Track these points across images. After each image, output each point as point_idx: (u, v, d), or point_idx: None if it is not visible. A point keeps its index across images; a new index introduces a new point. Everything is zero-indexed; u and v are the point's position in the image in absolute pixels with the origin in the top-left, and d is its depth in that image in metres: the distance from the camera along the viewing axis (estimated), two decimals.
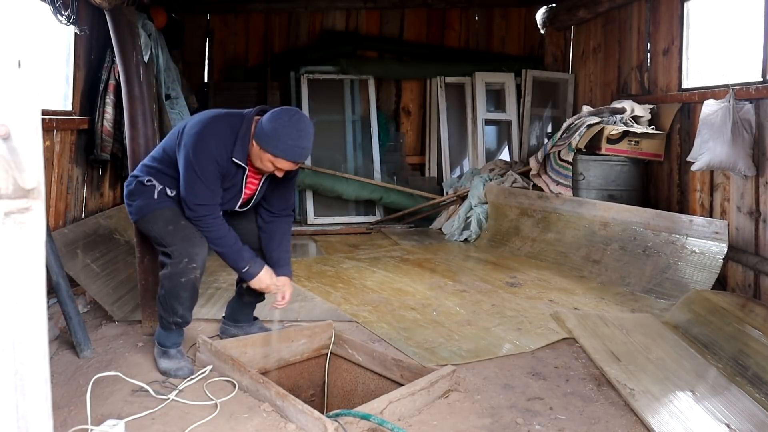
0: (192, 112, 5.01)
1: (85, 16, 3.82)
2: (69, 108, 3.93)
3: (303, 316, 3.25)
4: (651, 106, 4.68)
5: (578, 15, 5.93)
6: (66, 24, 3.49)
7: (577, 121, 4.80)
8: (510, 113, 6.64)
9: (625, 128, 4.52)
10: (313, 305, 3.46)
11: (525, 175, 5.57)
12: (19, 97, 0.98)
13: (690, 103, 4.26)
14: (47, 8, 3.35)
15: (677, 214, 3.99)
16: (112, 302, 3.22)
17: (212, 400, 2.22)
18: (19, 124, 0.98)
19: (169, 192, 2.50)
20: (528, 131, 6.66)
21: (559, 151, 4.79)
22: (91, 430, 1.95)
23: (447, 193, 6.26)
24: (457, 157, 6.81)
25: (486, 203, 5.55)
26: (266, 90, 6.66)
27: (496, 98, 6.81)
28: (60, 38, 3.88)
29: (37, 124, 1.00)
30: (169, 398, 2.24)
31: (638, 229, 4.14)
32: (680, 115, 4.40)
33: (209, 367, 2.46)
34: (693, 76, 4.40)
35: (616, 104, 4.82)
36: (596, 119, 4.67)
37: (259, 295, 2.84)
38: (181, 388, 2.32)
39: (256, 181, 2.56)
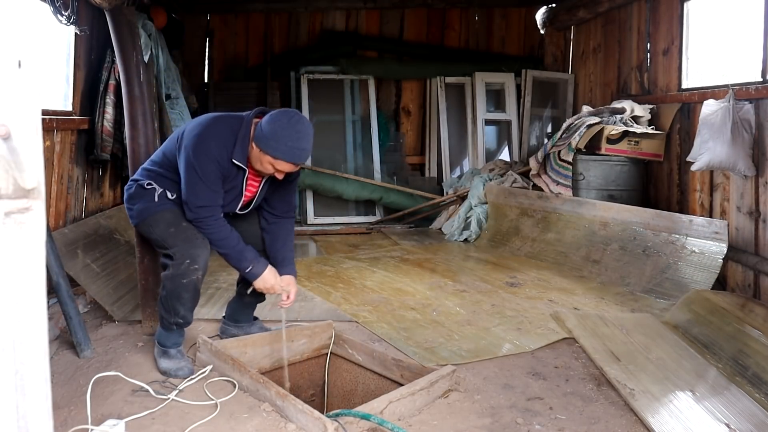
0: (192, 112, 5.02)
1: (85, 16, 3.82)
2: (69, 108, 3.93)
3: (303, 316, 3.25)
4: (651, 106, 4.69)
5: (578, 15, 5.93)
6: (66, 24, 3.49)
7: (577, 121, 4.80)
8: (510, 113, 6.64)
9: (624, 128, 4.52)
10: (313, 305, 3.46)
11: (525, 175, 5.57)
12: (19, 97, 0.98)
13: (690, 103, 4.26)
14: (47, 8, 3.35)
15: (677, 214, 3.99)
16: (112, 302, 3.22)
17: (212, 400, 2.22)
18: (19, 124, 0.98)
19: (169, 195, 2.50)
20: (528, 131, 6.66)
21: (559, 151, 4.80)
22: (92, 430, 1.95)
23: (447, 193, 6.26)
24: (457, 157, 6.81)
25: (486, 203, 5.55)
26: (266, 90, 6.66)
27: (496, 98, 6.81)
28: (60, 38, 3.88)
29: (38, 124, 1.00)
30: (169, 398, 2.24)
31: (638, 229, 4.14)
32: (680, 115, 4.40)
33: (209, 367, 2.46)
34: (693, 76, 4.40)
35: (616, 104, 4.82)
36: (596, 119, 4.67)
37: (259, 296, 2.84)
38: (181, 388, 2.32)
39: (257, 183, 2.56)
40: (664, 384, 2.48)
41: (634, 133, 4.51)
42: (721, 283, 3.71)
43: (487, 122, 6.67)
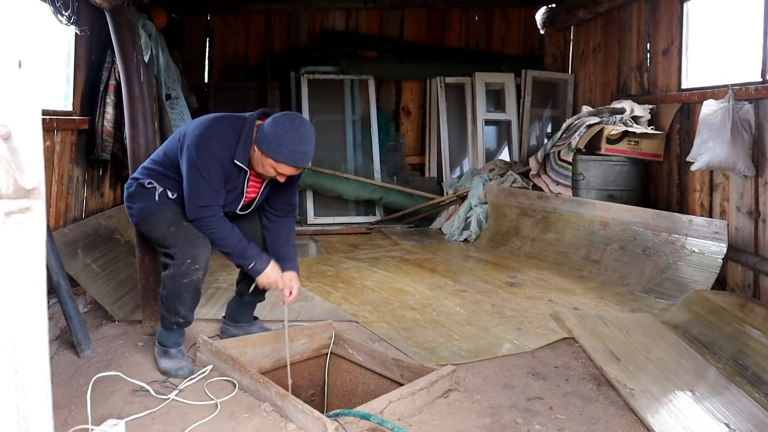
0: (192, 112, 5.02)
1: (86, 16, 3.82)
2: (69, 108, 3.93)
3: (303, 316, 3.25)
4: (651, 106, 4.69)
5: (578, 15, 5.93)
6: (66, 24, 3.49)
7: (576, 121, 4.80)
8: (510, 113, 6.64)
9: (624, 128, 4.52)
10: (313, 305, 3.46)
11: (525, 175, 5.57)
12: (19, 97, 0.98)
13: (690, 104, 4.26)
14: (48, 8, 3.35)
15: (677, 214, 3.99)
16: (112, 302, 3.22)
17: (212, 399, 2.22)
18: (19, 124, 0.98)
19: (170, 194, 2.50)
20: (528, 131, 6.66)
21: (559, 151, 4.80)
22: (92, 429, 1.95)
23: (447, 193, 6.26)
24: (457, 157, 6.81)
25: (486, 203, 5.55)
26: (266, 90, 6.66)
27: (496, 98, 6.81)
28: (60, 38, 3.88)
29: (38, 124, 1.00)
30: (169, 398, 2.24)
31: (638, 229, 4.14)
32: (680, 115, 4.40)
33: (209, 367, 2.46)
34: (693, 77, 4.41)
35: (616, 104, 4.82)
36: (596, 119, 4.67)
37: (259, 295, 2.84)
38: (181, 388, 2.32)
39: (258, 185, 2.57)
40: (664, 384, 2.48)
41: (634, 133, 4.51)
42: (720, 283, 3.71)
43: (487, 122, 6.68)
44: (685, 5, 4.41)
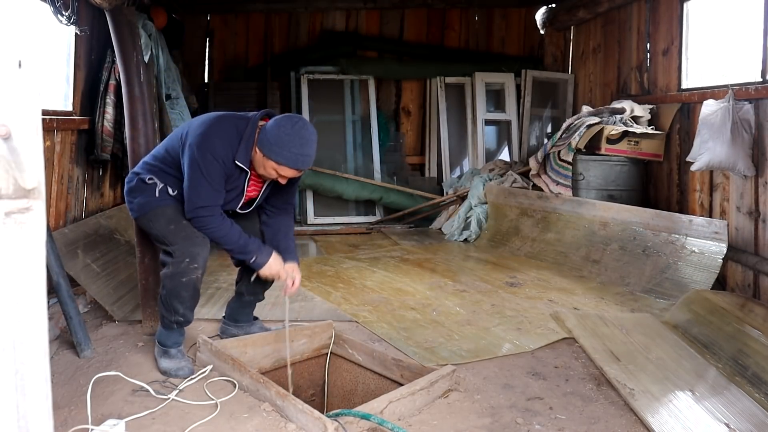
0: (192, 112, 5.02)
1: (86, 16, 3.82)
2: (69, 108, 3.93)
3: (303, 316, 3.25)
4: (651, 107, 4.69)
5: (578, 15, 5.93)
6: (66, 24, 3.49)
7: (576, 122, 4.80)
8: (510, 113, 6.64)
9: (624, 128, 4.52)
10: (313, 305, 3.46)
11: (525, 175, 5.57)
12: (19, 97, 0.98)
13: (689, 104, 4.26)
14: (48, 8, 3.35)
15: (677, 214, 3.99)
16: (112, 302, 3.22)
17: (212, 399, 2.22)
18: (19, 124, 0.98)
19: (170, 191, 2.50)
20: (528, 131, 6.66)
21: (559, 151, 4.80)
22: (92, 429, 1.95)
23: (447, 193, 6.26)
24: (457, 157, 6.82)
25: (486, 203, 5.55)
26: (266, 90, 6.66)
27: (496, 98, 6.81)
28: (60, 38, 3.88)
29: (38, 124, 1.00)
30: (169, 398, 2.24)
31: (638, 229, 4.14)
32: (680, 115, 4.40)
33: (209, 367, 2.46)
34: (693, 77, 4.41)
35: (616, 104, 4.82)
36: (596, 119, 4.67)
37: (258, 295, 2.85)
38: (181, 388, 2.32)
39: (259, 185, 2.57)
40: (664, 384, 2.48)
41: (634, 133, 4.51)
42: (720, 283, 3.71)
43: (487, 122, 6.68)
44: (685, 5, 4.41)
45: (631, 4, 5.10)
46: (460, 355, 2.76)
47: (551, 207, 4.84)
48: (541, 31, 6.87)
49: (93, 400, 2.12)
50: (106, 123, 4.04)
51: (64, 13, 3.41)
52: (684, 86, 4.44)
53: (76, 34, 3.75)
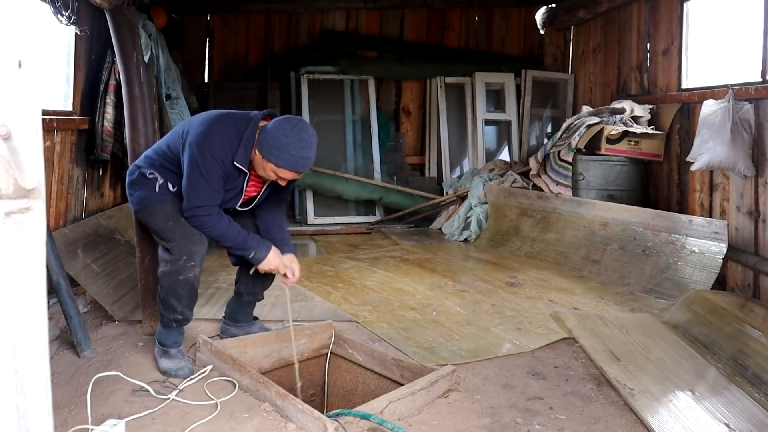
0: (192, 112, 5.02)
1: (86, 16, 3.82)
2: (69, 108, 3.93)
3: (303, 316, 3.25)
4: (651, 106, 4.69)
5: (578, 15, 5.93)
6: (66, 24, 3.49)
7: (576, 122, 4.80)
8: (510, 113, 6.64)
9: (624, 128, 4.52)
10: (313, 305, 3.46)
11: (525, 175, 5.57)
12: (19, 97, 0.98)
13: (689, 104, 4.26)
14: (48, 8, 3.35)
15: (677, 214, 3.99)
16: (112, 302, 3.22)
17: (212, 399, 2.22)
18: (19, 124, 0.98)
19: (170, 187, 2.50)
20: (528, 131, 6.66)
21: (559, 151, 4.80)
22: (92, 429, 1.95)
23: (447, 193, 6.26)
24: (457, 157, 6.81)
25: (486, 203, 5.55)
26: (266, 90, 6.66)
27: (496, 98, 6.81)
28: (60, 38, 3.88)
29: (38, 124, 1.00)
30: (169, 398, 2.24)
31: (638, 229, 4.14)
32: (680, 115, 4.40)
33: (209, 367, 2.46)
34: (692, 77, 4.41)
35: (616, 104, 4.82)
36: (596, 119, 4.67)
37: (257, 294, 2.85)
38: (181, 388, 2.32)
39: (259, 185, 2.57)
40: (664, 384, 2.48)
41: (634, 133, 4.51)
42: (720, 283, 3.71)
43: (487, 122, 6.68)
44: (685, 5, 4.41)
45: (631, 4, 5.10)
46: (460, 355, 2.76)
47: (551, 207, 4.84)
48: (541, 31, 6.87)
49: (93, 400, 2.12)
50: (106, 123, 4.04)
51: (64, 13, 3.41)
52: (684, 86, 4.44)
53: (76, 34, 3.75)
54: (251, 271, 2.65)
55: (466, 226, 5.58)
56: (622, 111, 4.65)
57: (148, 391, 2.29)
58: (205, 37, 6.88)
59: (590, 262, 4.29)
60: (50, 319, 2.77)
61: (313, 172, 6.11)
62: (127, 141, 3.14)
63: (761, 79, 3.49)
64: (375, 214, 6.39)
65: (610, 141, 4.55)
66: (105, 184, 4.38)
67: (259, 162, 2.39)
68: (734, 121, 3.42)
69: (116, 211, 4.17)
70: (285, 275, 2.57)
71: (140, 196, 2.52)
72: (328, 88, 6.61)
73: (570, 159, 4.71)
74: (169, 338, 2.55)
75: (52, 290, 2.65)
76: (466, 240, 5.45)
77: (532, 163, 5.18)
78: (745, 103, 3.46)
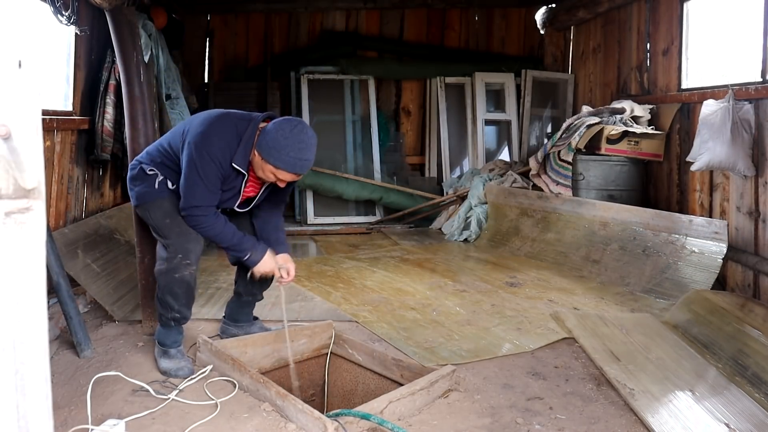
0: (192, 112, 5.01)
1: (86, 16, 3.82)
2: (69, 108, 3.93)
3: (303, 316, 3.25)
4: (651, 107, 4.69)
5: (578, 15, 5.93)
6: (66, 24, 3.49)
7: (576, 122, 4.80)
8: (510, 113, 6.64)
9: (624, 128, 4.52)
10: (313, 305, 3.46)
11: (525, 175, 5.57)
12: (19, 97, 0.98)
13: (689, 104, 4.26)
14: (48, 8, 3.35)
15: (677, 214, 3.99)
16: (112, 302, 3.22)
17: (212, 399, 2.22)
18: (19, 124, 0.98)
19: (169, 184, 2.51)
20: (528, 131, 6.66)
21: (559, 151, 4.80)
22: (92, 429, 1.95)
23: (447, 193, 6.26)
24: (457, 157, 6.81)
25: (486, 203, 5.55)
26: (266, 90, 6.66)
27: (496, 98, 6.81)
28: (60, 38, 3.88)
29: (38, 124, 1.00)
30: (169, 398, 2.24)
31: (638, 229, 4.14)
32: (680, 115, 4.40)
33: (209, 367, 2.46)
34: (692, 77, 4.41)
35: (616, 104, 4.82)
36: (596, 119, 4.67)
37: (257, 295, 2.86)
38: (181, 388, 2.32)
39: (258, 186, 2.57)
40: (664, 384, 2.48)
41: (634, 133, 4.51)
42: (720, 283, 3.71)
43: (487, 122, 6.68)
44: (685, 5, 4.41)
45: (631, 4, 5.10)
46: (460, 355, 2.76)
47: (551, 207, 4.84)
48: (541, 31, 6.87)
49: (93, 400, 2.12)
50: (106, 123, 4.04)
51: (64, 13, 3.41)
52: (684, 86, 4.44)
53: (76, 34, 3.75)
54: (248, 276, 2.66)
55: (466, 226, 5.58)
56: (622, 111, 4.65)
57: (148, 391, 2.29)
58: (205, 37, 6.88)
59: (590, 262, 4.29)
60: (50, 319, 2.78)
61: (313, 172, 6.11)
62: (127, 141, 3.14)
63: (761, 79, 3.49)
64: (375, 214, 6.39)
65: (610, 141, 4.55)
66: (105, 184, 4.38)
67: (258, 163, 2.39)
68: (734, 121, 3.42)
69: (116, 211, 4.17)
70: (281, 276, 2.58)
71: (140, 192, 2.53)
72: (328, 88, 6.61)
73: (570, 159, 4.71)
74: (168, 338, 2.55)
75: (52, 290, 2.65)
76: (466, 240, 5.45)
77: (532, 163, 5.18)
78: (745, 103, 3.46)
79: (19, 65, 0.98)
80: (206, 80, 6.84)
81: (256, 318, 2.95)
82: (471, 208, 5.65)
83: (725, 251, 3.64)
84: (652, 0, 4.79)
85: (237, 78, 6.81)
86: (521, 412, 2.24)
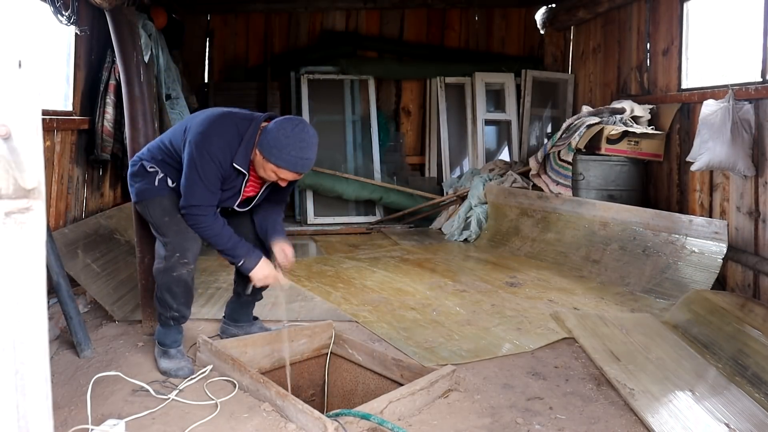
0: (192, 112, 5.02)
1: (86, 16, 3.82)
2: (69, 108, 3.93)
3: (303, 316, 3.25)
4: (651, 106, 4.69)
5: (578, 15, 5.93)
6: (66, 24, 3.49)
7: (576, 122, 4.80)
8: (510, 113, 6.64)
9: (624, 128, 4.52)
10: (313, 305, 3.46)
11: (525, 175, 5.57)
12: (19, 97, 0.98)
13: (689, 104, 4.26)
14: (48, 8, 3.35)
15: (677, 214, 3.99)
16: (112, 302, 3.22)
17: (212, 399, 2.22)
18: (19, 124, 0.98)
19: (169, 182, 2.51)
20: (528, 131, 6.66)
21: (559, 151, 4.80)
22: (92, 429, 1.95)
23: (447, 193, 6.26)
24: (457, 157, 6.81)
25: (486, 203, 5.55)
26: (266, 90, 6.66)
27: (496, 98, 6.81)
28: (60, 38, 3.88)
29: (38, 124, 1.00)
30: (169, 398, 2.24)
31: (638, 229, 4.14)
32: (680, 115, 4.40)
33: (209, 367, 2.46)
34: (692, 77, 4.41)
35: (616, 104, 4.82)
36: (596, 119, 4.67)
37: (256, 294, 2.85)
38: (181, 388, 2.32)
39: (258, 186, 2.57)
40: (664, 384, 2.48)
41: (634, 133, 4.51)
42: (720, 283, 3.71)
43: (487, 122, 6.68)
44: (685, 5, 4.41)
45: (631, 4, 5.10)
46: (460, 355, 2.76)
47: (551, 207, 4.84)
48: (541, 31, 6.87)
49: (93, 400, 2.12)
50: (106, 123, 4.04)
51: (64, 13, 3.41)
52: (684, 86, 4.44)
53: (76, 34, 3.75)
54: (247, 291, 2.67)
55: (466, 226, 5.58)
56: (622, 111, 4.65)
57: (148, 391, 2.29)
58: (205, 37, 6.88)
59: (590, 262, 4.29)
60: (50, 319, 2.78)
61: (313, 172, 6.11)
62: (127, 141, 3.14)
63: (761, 79, 3.49)
64: (375, 214, 6.39)
65: (610, 141, 4.55)
66: (105, 184, 4.38)
67: (260, 162, 2.39)
68: (734, 121, 3.42)
69: (116, 211, 4.17)
70: (280, 273, 2.58)
71: (140, 189, 2.53)
72: (328, 88, 6.61)
73: (570, 159, 4.71)
74: (168, 337, 2.55)
75: (52, 290, 2.65)
76: (466, 240, 5.45)
77: (532, 163, 5.18)
78: (745, 103, 3.46)
79: (19, 65, 0.98)
80: (206, 80, 6.84)
81: (256, 318, 2.95)
82: (471, 208, 5.65)
83: (725, 251, 3.64)
84: (652, 0, 4.79)
85: (237, 78, 6.81)
86: (521, 412, 2.24)
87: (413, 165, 7.07)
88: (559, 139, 4.83)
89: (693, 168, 3.71)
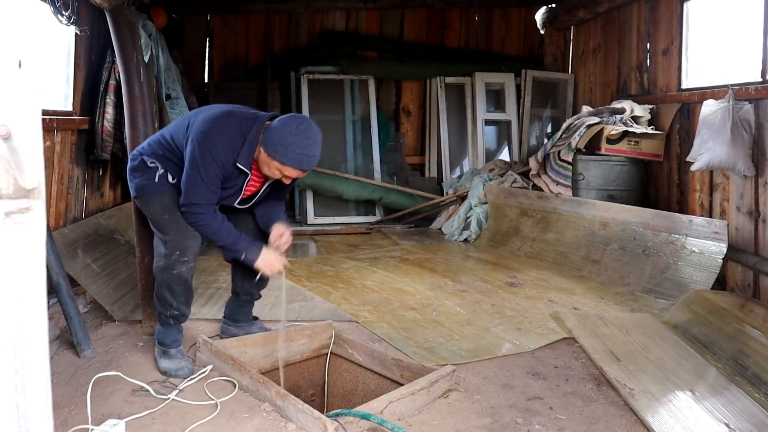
0: None
1: (86, 16, 3.82)
2: (69, 108, 3.93)
3: (303, 316, 3.25)
4: (651, 106, 4.69)
5: (578, 15, 5.93)
6: (66, 24, 3.49)
7: (576, 122, 4.80)
8: (510, 113, 6.64)
9: (624, 128, 4.52)
10: (313, 305, 3.46)
11: (525, 175, 5.57)
12: (19, 97, 0.98)
13: (689, 104, 4.26)
14: (48, 8, 3.35)
15: (677, 214, 3.99)
16: (112, 302, 3.22)
17: (212, 399, 2.22)
18: (19, 124, 0.98)
19: (170, 178, 2.50)
20: (528, 131, 6.66)
21: (559, 151, 4.80)
22: (92, 429, 1.95)
23: (447, 193, 6.26)
24: (457, 157, 6.81)
25: (486, 203, 5.55)
26: (266, 90, 6.66)
27: (495, 98, 6.81)
28: (60, 38, 3.88)
29: (38, 124, 1.00)
30: (169, 398, 2.24)
31: (638, 229, 4.14)
32: (680, 115, 4.40)
33: (209, 367, 2.46)
34: (692, 77, 4.41)
35: (616, 104, 4.82)
36: (596, 119, 4.67)
37: (254, 294, 2.86)
38: (181, 388, 2.32)
39: (259, 183, 2.57)
40: (664, 384, 2.48)
41: (634, 133, 4.51)
42: (720, 283, 3.71)
43: (487, 122, 6.68)
44: (685, 5, 4.41)
45: (631, 4, 5.10)
46: (460, 355, 2.76)
47: (551, 207, 4.84)
48: (541, 31, 6.87)
49: (93, 400, 2.12)
50: (106, 123, 4.04)
51: (64, 13, 3.41)
52: (684, 86, 4.44)
53: (76, 34, 3.75)
54: (255, 280, 2.66)
55: (466, 226, 5.58)
56: (622, 111, 4.65)
57: (148, 391, 2.29)
58: (205, 37, 6.88)
59: (590, 262, 4.29)
60: (50, 319, 2.78)
61: (313, 172, 6.11)
62: (127, 141, 3.14)
63: (761, 79, 3.49)
64: (375, 214, 6.39)
65: (610, 141, 4.55)
66: (105, 184, 4.38)
67: (264, 160, 2.39)
68: (734, 121, 3.42)
69: (116, 211, 4.17)
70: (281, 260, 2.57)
71: (139, 184, 2.53)
72: (328, 88, 6.61)
73: (570, 159, 4.71)
74: (168, 337, 2.55)
75: (52, 290, 2.65)
76: (466, 240, 5.45)
77: (532, 163, 5.18)
78: (745, 103, 3.46)
79: (19, 65, 0.98)
80: (206, 80, 6.84)
81: (255, 318, 2.95)
82: (471, 208, 5.65)
83: (725, 251, 3.64)
84: (652, 0, 4.80)
85: (237, 78, 6.81)
86: (521, 412, 2.24)
87: (413, 165, 7.07)
88: (559, 139, 4.83)
89: (693, 168, 3.71)
